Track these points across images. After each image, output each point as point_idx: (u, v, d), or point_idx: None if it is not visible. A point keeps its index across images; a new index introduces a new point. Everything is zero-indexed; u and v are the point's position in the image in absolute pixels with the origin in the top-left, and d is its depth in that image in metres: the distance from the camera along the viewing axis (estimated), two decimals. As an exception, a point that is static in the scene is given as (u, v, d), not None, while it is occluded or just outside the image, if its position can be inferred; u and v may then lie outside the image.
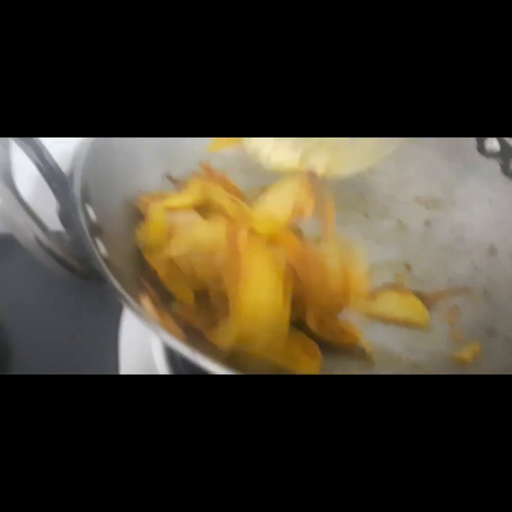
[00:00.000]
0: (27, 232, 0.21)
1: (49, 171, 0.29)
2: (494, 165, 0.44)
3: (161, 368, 0.35)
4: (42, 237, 0.21)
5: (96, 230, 0.29)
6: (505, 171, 0.43)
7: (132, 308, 0.25)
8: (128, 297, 0.25)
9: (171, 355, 0.36)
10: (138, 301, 0.25)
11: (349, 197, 0.48)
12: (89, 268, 0.25)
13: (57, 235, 0.23)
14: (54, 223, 0.27)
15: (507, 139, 0.43)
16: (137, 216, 0.37)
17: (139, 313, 0.25)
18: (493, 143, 0.44)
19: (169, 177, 0.43)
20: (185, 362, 0.35)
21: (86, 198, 0.30)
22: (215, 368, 0.23)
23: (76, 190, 0.29)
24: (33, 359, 0.43)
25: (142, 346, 0.41)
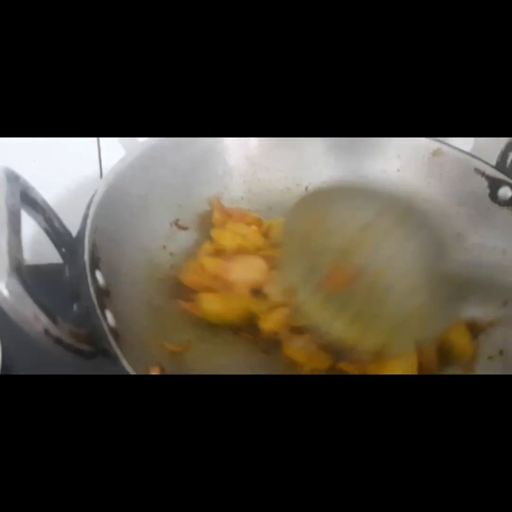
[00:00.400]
0: (36, 325, 0.21)
1: (57, 236, 0.29)
2: (507, 214, 0.43)
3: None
4: (51, 328, 0.21)
5: (105, 295, 0.29)
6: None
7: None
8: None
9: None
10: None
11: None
12: (97, 347, 0.24)
13: (64, 320, 0.22)
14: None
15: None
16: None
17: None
18: (506, 191, 0.43)
19: (177, 224, 0.43)
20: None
21: (94, 261, 0.30)
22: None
23: (86, 253, 0.29)
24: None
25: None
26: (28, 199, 0.26)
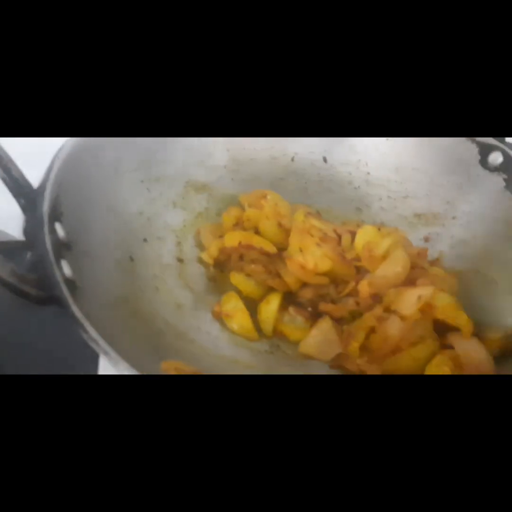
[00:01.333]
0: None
1: (17, 187, 0.28)
2: (498, 181, 0.41)
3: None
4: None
5: (64, 248, 0.28)
6: (509, 187, 0.41)
7: (90, 337, 0.23)
8: (88, 324, 0.23)
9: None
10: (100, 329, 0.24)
11: (346, 211, 0.47)
12: (48, 293, 0.23)
13: (7, 260, 0.21)
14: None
15: (511, 151, 0.41)
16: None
17: (97, 343, 0.23)
18: (497, 156, 0.42)
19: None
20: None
21: (55, 214, 0.29)
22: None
23: (45, 205, 0.28)
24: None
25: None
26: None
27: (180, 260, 0.41)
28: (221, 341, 0.36)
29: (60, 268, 0.25)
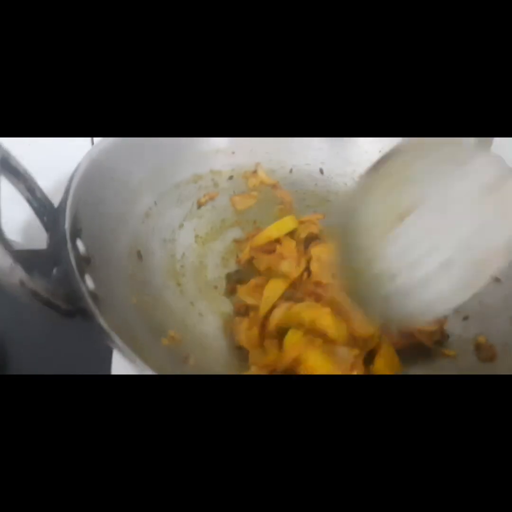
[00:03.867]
0: (12, 276, 0.22)
1: (40, 206, 0.30)
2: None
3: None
4: (27, 280, 0.22)
5: (85, 262, 0.30)
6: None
7: (117, 346, 0.25)
8: (114, 334, 0.25)
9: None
10: (125, 338, 0.26)
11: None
12: (75, 306, 0.25)
13: (41, 276, 0.23)
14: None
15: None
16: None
17: (124, 352, 0.25)
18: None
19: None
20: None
21: (76, 231, 0.31)
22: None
23: (67, 223, 0.30)
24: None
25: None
26: (9, 167, 0.27)
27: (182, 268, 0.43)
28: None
29: (84, 283, 0.27)
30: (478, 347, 0.38)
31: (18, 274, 0.22)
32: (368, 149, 0.51)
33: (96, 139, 0.48)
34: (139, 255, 0.39)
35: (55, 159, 0.43)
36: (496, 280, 0.41)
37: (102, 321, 0.25)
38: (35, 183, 0.30)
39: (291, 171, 0.52)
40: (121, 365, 0.42)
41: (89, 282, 0.28)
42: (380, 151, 0.50)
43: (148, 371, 0.25)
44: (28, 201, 0.29)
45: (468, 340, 0.39)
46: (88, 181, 0.34)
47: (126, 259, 0.37)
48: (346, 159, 0.51)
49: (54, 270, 0.27)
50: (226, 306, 0.43)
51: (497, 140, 0.41)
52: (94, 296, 0.27)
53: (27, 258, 0.23)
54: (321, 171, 0.52)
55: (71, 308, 0.25)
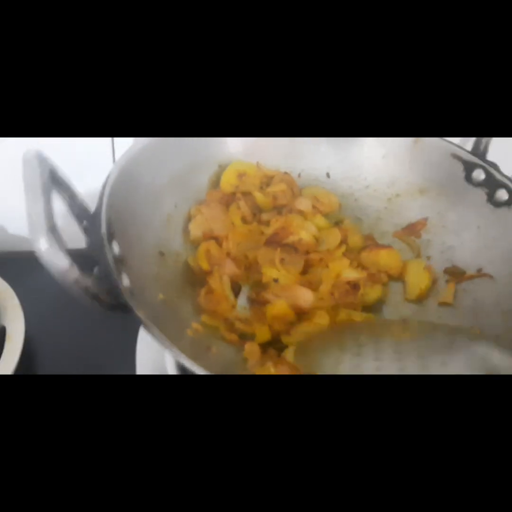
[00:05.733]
0: (68, 275, 0.25)
1: (79, 212, 0.33)
2: (481, 194, 0.47)
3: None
4: (81, 279, 0.26)
5: (121, 263, 0.33)
6: (491, 200, 0.47)
7: (154, 335, 0.29)
8: (152, 325, 0.29)
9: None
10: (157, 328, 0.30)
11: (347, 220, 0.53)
12: (116, 301, 0.29)
13: (87, 274, 0.27)
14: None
15: (491, 169, 0.47)
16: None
17: (159, 339, 0.29)
18: (479, 173, 0.48)
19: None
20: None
21: (111, 234, 0.34)
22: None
23: (103, 227, 0.33)
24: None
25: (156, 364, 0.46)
26: (55, 178, 0.31)
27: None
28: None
29: (121, 281, 0.31)
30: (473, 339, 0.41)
31: (74, 273, 0.25)
32: (371, 154, 0.54)
33: (116, 140, 0.52)
34: (162, 255, 0.43)
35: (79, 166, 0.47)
36: (490, 277, 0.45)
37: (140, 314, 0.29)
38: (75, 191, 0.34)
39: (299, 175, 0.55)
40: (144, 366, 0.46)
41: (126, 280, 0.32)
42: (383, 157, 0.54)
43: (182, 358, 0.28)
44: (70, 207, 0.33)
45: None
46: (118, 188, 0.38)
47: (151, 259, 0.41)
48: (351, 163, 0.55)
49: (95, 269, 0.30)
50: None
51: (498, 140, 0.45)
52: (131, 292, 0.31)
53: (75, 258, 0.27)
54: (328, 175, 0.55)
55: (114, 303, 0.29)
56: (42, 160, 0.29)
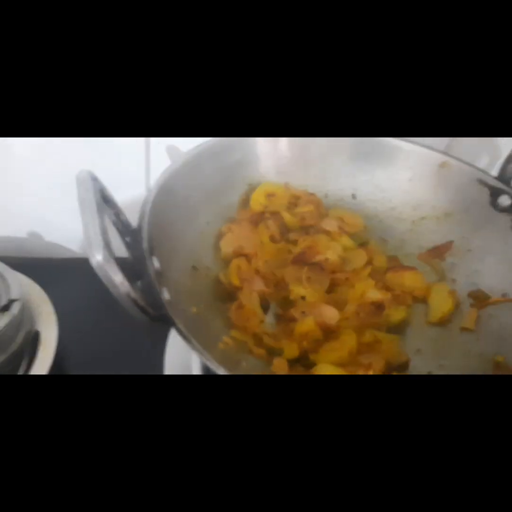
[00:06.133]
0: (121, 288, 0.27)
1: (123, 228, 0.35)
2: (506, 220, 0.48)
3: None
4: (131, 292, 0.28)
5: (161, 276, 0.35)
6: (516, 226, 0.48)
7: (192, 346, 0.31)
8: (190, 336, 0.31)
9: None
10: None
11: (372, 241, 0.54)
12: (159, 313, 0.31)
13: (137, 287, 0.29)
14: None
15: (517, 196, 0.48)
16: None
17: (197, 350, 0.31)
18: (505, 199, 0.49)
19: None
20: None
21: (152, 249, 0.36)
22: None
23: (145, 243, 0.35)
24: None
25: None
26: (104, 197, 0.33)
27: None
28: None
29: (163, 293, 0.33)
30: (497, 366, 0.41)
31: (126, 287, 0.27)
32: (398, 177, 0.55)
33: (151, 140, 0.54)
34: (195, 269, 0.44)
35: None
36: (512, 301, 0.46)
37: (181, 327, 0.31)
38: (120, 209, 0.36)
39: (326, 195, 0.57)
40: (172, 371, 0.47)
41: (166, 294, 0.33)
42: (409, 180, 0.55)
43: (219, 368, 0.30)
44: (114, 224, 0.35)
45: (488, 359, 0.43)
46: (158, 205, 0.40)
47: (185, 273, 0.42)
48: (377, 185, 0.56)
49: (139, 283, 0.32)
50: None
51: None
52: (170, 305, 0.33)
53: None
54: (353, 196, 0.57)
55: (157, 314, 0.30)
56: (94, 180, 0.31)
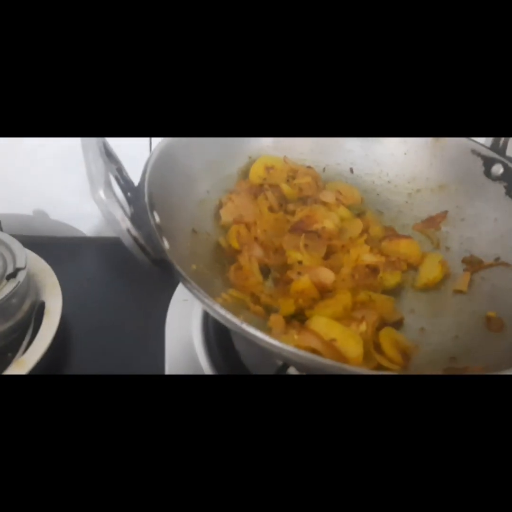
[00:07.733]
0: (122, 224, 0.28)
1: (125, 184, 0.37)
2: (499, 188, 0.50)
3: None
4: (131, 229, 0.29)
5: (160, 229, 0.36)
6: (509, 193, 0.49)
7: (189, 286, 0.32)
8: (189, 278, 0.32)
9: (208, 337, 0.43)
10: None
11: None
12: (159, 256, 0.32)
13: (141, 227, 0.30)
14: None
15: (510, 164, 0.49)
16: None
17: (194, 290, 0.32)
18: (498, 168, 0.50)
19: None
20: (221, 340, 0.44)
21: (151, 205, 0.38)
22: (261, 336, 0.30)
23: (146, 198, 0.37)
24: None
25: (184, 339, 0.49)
26: (107, 150, 0.34)
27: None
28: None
29: (163, 243, 0.34)
30: (489, 321, 0.43)
31: (126, 223, 0.29)
32: (394, 151, 0.57)
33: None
34: (194, 232, 0.46)
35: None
36: (507, 266, 0.47)
37: (179, 269, 0.32)
38: (122, 165, 0.37)
39: (324, 170, 0.58)
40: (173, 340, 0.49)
41: (166, 243, 0.35)
42: (405, 154, 0.56)
43: (218, 308, 0.31)
44: (116, 179, 0.36)
45: (480, 316, 0.44)
46: (158, 168, 0.42)
47: (185, 234, 0.44)
48: (374, 160, 0.58)
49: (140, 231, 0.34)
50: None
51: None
52: (170, 252, 0.34)
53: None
54: (351, 171, 0.58)
55: (157, 258, 0.32)
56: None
